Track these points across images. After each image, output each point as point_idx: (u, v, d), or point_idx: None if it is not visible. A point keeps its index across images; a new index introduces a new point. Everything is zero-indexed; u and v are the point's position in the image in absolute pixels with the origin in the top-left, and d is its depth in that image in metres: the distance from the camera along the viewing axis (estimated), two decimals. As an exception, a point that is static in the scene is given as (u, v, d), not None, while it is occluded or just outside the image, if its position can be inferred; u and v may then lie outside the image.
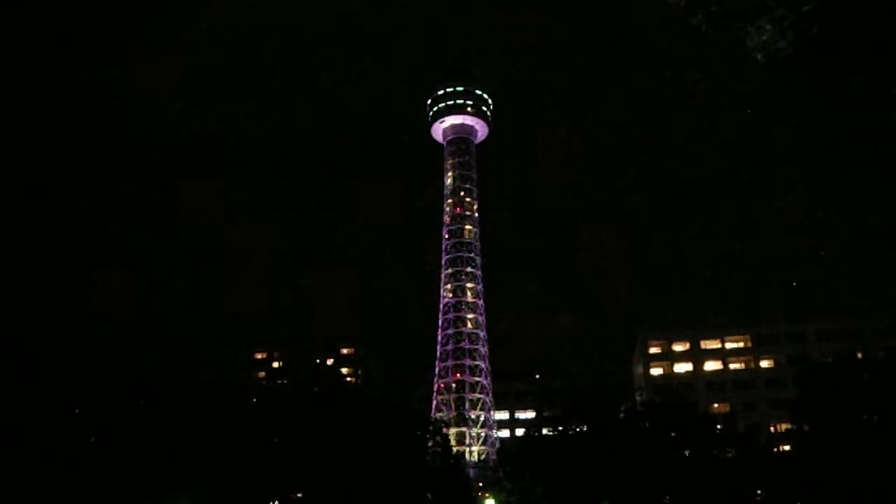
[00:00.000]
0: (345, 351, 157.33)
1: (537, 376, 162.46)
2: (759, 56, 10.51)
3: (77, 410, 57.29)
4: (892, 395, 57.61)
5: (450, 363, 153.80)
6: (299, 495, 64.22)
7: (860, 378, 61.16)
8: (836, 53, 10.40)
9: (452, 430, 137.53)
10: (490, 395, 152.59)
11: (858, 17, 9.93)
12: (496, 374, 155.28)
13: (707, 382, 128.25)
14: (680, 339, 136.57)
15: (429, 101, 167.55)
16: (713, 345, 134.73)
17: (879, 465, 53.96)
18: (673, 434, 66.42)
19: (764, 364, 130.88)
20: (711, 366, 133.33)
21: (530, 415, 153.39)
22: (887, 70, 10.51)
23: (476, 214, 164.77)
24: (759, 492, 66.86)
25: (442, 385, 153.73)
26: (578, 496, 64.68)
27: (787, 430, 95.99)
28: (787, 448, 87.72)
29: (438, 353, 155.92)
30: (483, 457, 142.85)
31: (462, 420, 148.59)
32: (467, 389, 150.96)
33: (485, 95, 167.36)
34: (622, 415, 70.33)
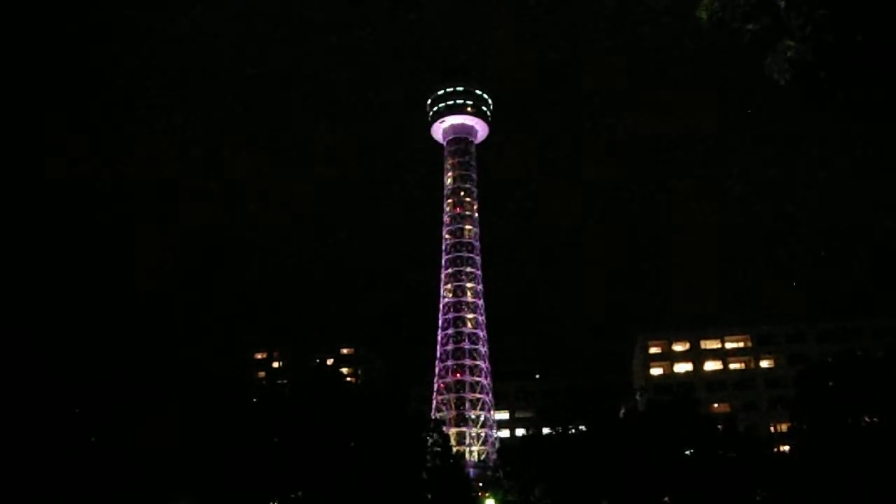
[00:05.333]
0: (345, 351, 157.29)
1: (537, 376, 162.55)
2: (780, 78, 10.62)
3: (77, 410, 57.30)
4: (892, 396, 57.66)
5: (450, 363, 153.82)
6: (299, 495, 64.22)
7: (860, 378, 61.21)
8: (855, 61, 10.42)
9: (452, 430, 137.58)
10: (490, 395, 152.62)
11: (873, 22, 9.94)
12: (496, 374, 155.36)
13: (707, 382, 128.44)
14: (680, 339, 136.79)
15: (429, 101, 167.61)
16: (713, 345, 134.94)
17: (879, 464, 54.00)
18: (673, 434, 66.45)
19: (764, 364, 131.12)
20: (711, 366, 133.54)
21: (530, 415, 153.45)
22: None
23: (476, 214, 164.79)
24: (759, 492, 66.89)
25: (442, 385, 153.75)
26: (578, 496, 64.76)
27: (787, 430, 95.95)
28: (787, 448, 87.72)
29: (438, 353, 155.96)
30: (483, 457, 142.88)
31: (462, 420, 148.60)
32: (467, 389, 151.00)
33: (485, 95, 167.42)
34: (622, 415, 70.44)
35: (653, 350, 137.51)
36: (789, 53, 10.37)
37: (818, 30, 9.98)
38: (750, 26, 10.64)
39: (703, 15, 11.01)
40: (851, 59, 10.27)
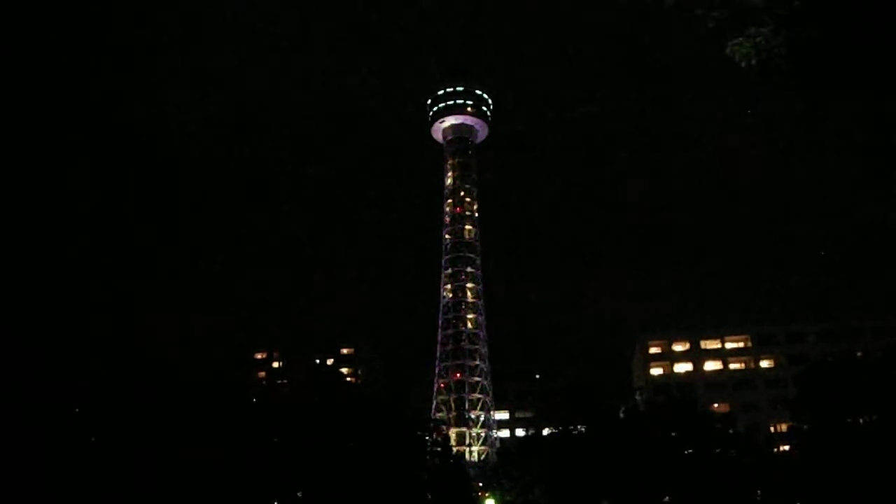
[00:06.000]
0: (345, 351, 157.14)
1: (537, 376, 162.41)
2: (743, 60, 10.66)
3: (77, 410, 57.27)
4: (892, 395, 57.67)
5: (450, 363, 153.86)
6: (299, 495, 64.21)
7: (860, 378, 61.21)
8: (832, 56, 10.43)
9: (452, 430, 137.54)
10: (490, 395, 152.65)
11: (851, 17, 9.94)
12: (496, 374, 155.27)
13: (707, 382, 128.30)
14: (680, 339, 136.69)
15: (429, 101, 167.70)
16: (713, 345, 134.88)
17: (879, 464, 54.01)
18: (673, 434, 66.45)
19: (764, 364, 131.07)
20: (711, 366, 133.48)
21: (530, 415, 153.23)
22: (882, 76, 10.51)
23: (476, 214, 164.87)
24: (759, 491, 66.89)
25: (442, 385, 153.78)
26: (578, 496, 64.71)
27: (787, 430, 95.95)
28: (787, 448, 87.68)
29: (438, 353, 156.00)
30: (483, 457, 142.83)
31: (462, 420, 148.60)
32: (467, 389, 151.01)
33: (485, 95, 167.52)
34: (622, 415, 70.40)
35: (653, 350, 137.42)
36: (758, 39, 10.42)
37: (794, 22, 10.01)
38: (715, 13, 10.69)
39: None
40: (826, 52, 10.28)
